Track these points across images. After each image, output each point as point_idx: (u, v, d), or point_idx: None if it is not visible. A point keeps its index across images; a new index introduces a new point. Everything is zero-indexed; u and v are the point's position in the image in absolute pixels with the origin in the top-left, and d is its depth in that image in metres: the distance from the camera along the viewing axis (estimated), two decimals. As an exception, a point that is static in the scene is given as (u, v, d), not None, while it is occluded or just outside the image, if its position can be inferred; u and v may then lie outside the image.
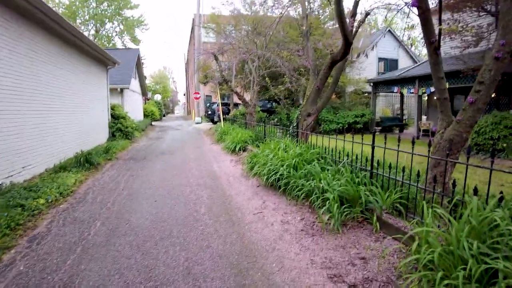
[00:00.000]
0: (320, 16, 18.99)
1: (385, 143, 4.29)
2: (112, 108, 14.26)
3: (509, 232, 2.47)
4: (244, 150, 10.20)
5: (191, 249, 3.67)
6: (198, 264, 3.31)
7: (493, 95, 12.94)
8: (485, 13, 10.96)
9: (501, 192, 3.01)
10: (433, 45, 4.12)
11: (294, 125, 8.16)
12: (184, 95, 59.45)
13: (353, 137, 5.22)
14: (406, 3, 4.83)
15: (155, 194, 5.92)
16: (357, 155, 5.07)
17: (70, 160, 8.22)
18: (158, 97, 46.91)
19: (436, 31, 4.15)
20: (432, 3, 12.31)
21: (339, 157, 5.53)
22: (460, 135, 4.06)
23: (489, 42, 10.87)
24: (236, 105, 23.39)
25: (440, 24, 4.14)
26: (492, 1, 10.58)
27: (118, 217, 4.72)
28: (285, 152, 6.53)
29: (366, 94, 21.57)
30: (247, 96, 16.12)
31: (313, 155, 5.97)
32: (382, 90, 18.26)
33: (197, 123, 26.32)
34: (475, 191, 3.06)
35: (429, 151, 3.80)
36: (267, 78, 15.84)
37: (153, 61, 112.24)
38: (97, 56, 11.75)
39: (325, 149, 6.14)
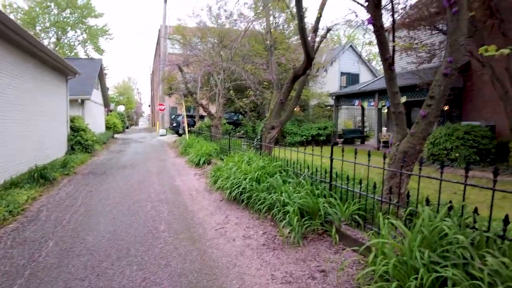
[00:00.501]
0: (285, 31, 19.43)
1: (342, 155, 4.39)
2: (72, 120, 13.66)
3: (457, 241, 2.59)
4: (208, 163, 10.09)
5: (149, 268, 3.52)
6: (156, 284, 3.17)
7: (446, 108, 13.78)
8: (437, 31, 11.69)
9: (450, 202, 3.16)
10: (387, 61, 4.31)
11: (258, 137, 8.19)
12: (149, 106, 58.33)
13: (312, 150, 5.31)
14: (363, 21, 5.04)
15: (114, 211, 5.67)
16: (316, 168, 5.16)
17: (23, 175, 7.71)
18: (121, 108, 45.69)
19: (391, 49, 4.37)
20: (390, 22, 13.02)
21: (301, 170, 5.60)
22: (414, 147, 4.24)
23: (440, 58, 11.60)
24: (202, 117, 23.23)
25: (393, 41, 4.35)
26: (444, 21, 11.31)
27: (73, 236, 4.46)
28: (249, 165, 6.53)
29: (329, 107, 22.20)
30: (213, 109, 16.07)
31: (276, 168, 6.01)
32: (344, 103, 18.91)
33: (162, 135, 25.81)
34: (427, 201, 3.20)
35: (384, 163, 3.93)
36: (231, 91, 15.90)
37: (117, 72, 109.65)
38: (56, 65, 11.23)
39: (287, 162, 6.20)
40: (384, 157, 3.94)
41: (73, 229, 4.76)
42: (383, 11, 4.94)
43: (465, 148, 10.00)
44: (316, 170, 5.15)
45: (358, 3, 4.57)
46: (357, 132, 20.58)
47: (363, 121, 20.74)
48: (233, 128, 19.95)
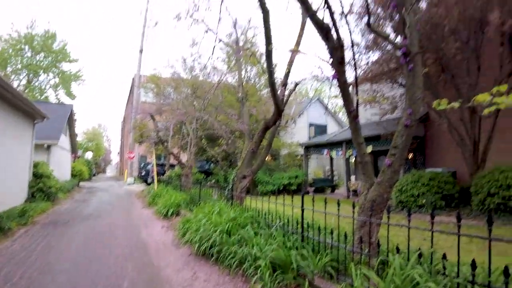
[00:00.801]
0: (256, 84, 20.22)
1: (313, 205, 4.39)
2: (36, 165, 12.98)
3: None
4: (177, 215, 9.76)
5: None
6: None
7: (410, 156, 14.41)
8: (398, 85, 12.58)
9: (419, 249, 3.18)
10: (352, 113, 4.52)
11: (229, 187, 8.10)
12: (118, 154, 57.02)
13: (284, 199, 5.29)
14: (327, 77, 5.34)
15: (73, 266, 5.24)
16: (288, 218, 5.10)
17: (-29, 226, 7.10)
18: (89, 155, 44.31)
19: (355, 102, 4.61)
20: (353, 76, 13.93)
21: (272, 220, 5.52)
22: (381, 196, 4.32)
23: (401, 110, 12.36)
24: (172, 166, 22.87)
25: (357, 95, 4.61)
26: (403, 75, 12.22)
27: (22, 298, 4.04)
28: (219, 216, 6.36)
29: (299, 156, 22.64)
30: (184, 157, 15.92)
31: (247, 219, 5.88)
32: (313, 153, 19.37)
33: (129, 184, 25.02)
34: (397, 249, 3.20)
35: (353, 212, 3.96)
36: (203, 140, 15.96)
37: (88, 117, 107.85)
38: (23, 108, 10.87)
39: (259, 212, 6.11)
40: (353, 206, 3.97)
41: (25, 287, 4.33)
42: (347, 67, 5.30)
43: (431, 194, 10.34)
44: (288, 221, 5.09)
45: (323, 60, 4.87)
46: (327, 181, 20.89)
47: (332, 170, 21.18)
48: (205, 177, 19.72)
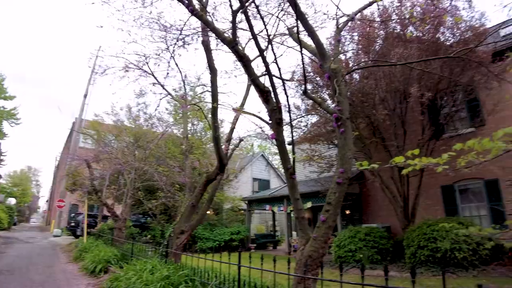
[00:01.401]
0: (202, 137, 20.34)
1: (250, 262, 4.34)
2: None
3: None
4: (106, 272, 8.94)
5: None
6: None
7: (348, 212, 15.04)
8: (334, 145, 13.47)
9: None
10: (289, 171, 4.73)
11: (165, 243, 7.72)
12: (47, 201, 51.91)
13: (220, 257, 5.15)
14: (267, 136, 5.62)
15: None
16: (224, 276, 4.96)
17: None
18: (11, 201, 39.78)
19: (292, 160, 4.86)
20: (295, 136, 14.71)
21: (208, 279, 5.30)
22: (317, 251, 4.42)
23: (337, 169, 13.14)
24: (105, 217, 21.26)
25: (293, 154, 4.88)
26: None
27: None
28: (152, 274, 5.96)
29: (242, 211, 22.45)
30: (119, 209, 14.98)
31: (182, 277, 5.58)
32: (256, 208, 19.36)
33: (56, 236, 22.67)
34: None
35: (288, 268, 3.98)
36: (140, 192, 15.21)
37: (17, 159, 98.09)
38: None
39: (195, 270, 5.84)
40: (288, 262, 3.99)
41: None
42: (288, 127, 5.63)
43: (367, 249, 10.73)
44: (224, 279, 4.93)
45: (263, 120, 5.17)
46: (270, 237, 20.76)
47: (274, 225, 21.20)
48: (140, 231, 18.52)
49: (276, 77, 5.46)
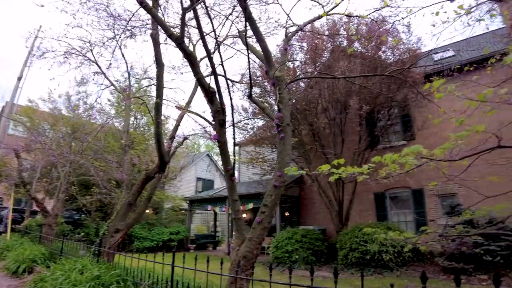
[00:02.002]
0: (146, 132, 19.66)
1: (183, 262, 4.31)
2: None
3: None
4: (30, 272, 8.28)
5: None
6: None
7: (287, 214, 15.50)
8: (277, 149, 13.85)
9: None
10: (229, 172, 4.80)
11: (98, 241, 7.36)
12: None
13: (154, 257, 5.04)
14: (210, 136, 5.64)
15: None
16: (158, 276, 4.87)
17: None
18: None
19: (232, 162, 4.93)
20: (242, 137, 14.86)
21: (141, 279, 5.17)
22: (252, 252, 4.53)
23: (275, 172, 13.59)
24: (34, 212, 19.63)
25: (234, 156, 4.95)
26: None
27: None
28: (81, 274, 5.66)
29: (183, 210, 22.06)
30: (51, 204, 13.94)
31: (113, 277, 5.37)
32: (198, 208, 19.14)
33: (-28, 234, 20.40)
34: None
35: (221, 268, 4.03)
36: (74, 187, 14.29)
37: None
38: None
39: (128, 270, 5.66)
40: (221, 263, 4.02)
41: None
42: (235, 129, 5.70)
43: (304, 250, 11.16)
44: (158, 279, 4.84)
45: (207, 121, 5.18)
46: (210, 237, 20.62)
47: (215, 226, 21.13)
48: (72, 229, 17.38)
49: (222, 76, 5.49)
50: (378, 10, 6.42)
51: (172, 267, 4.47)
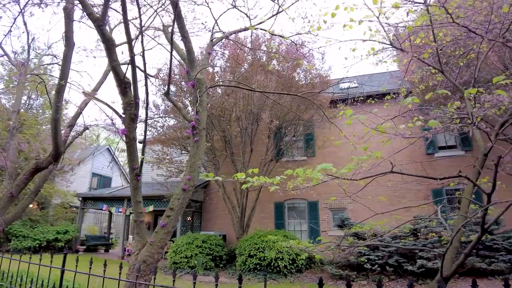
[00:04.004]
0: (39, 116, 17.49)
1: (76, 266, 3.90)
2: None
3: None
4: None
5: None
6: None
7: (189, 219, 15.26)
8: (186, 151, 13.63)
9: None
10: (135, 171, 4.55)
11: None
12: None
13: (40, 259, 4.45)
14: (116, 130, 5.28)
15: None
16: (43, 281, 4.31)
17: None
18: None
19: (140, 161, 4.69)
20: (149, 135, 14.20)
21: (21, 285, 4.50)
22: (152, 256, 4.35)
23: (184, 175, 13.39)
24: None
25: (143, 155, 4.72)
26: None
27: None
28: None
29: (74, 208, 20.01)
30: None
31: (-20, 281, 4.58)
32: (92, 207, 17.51)
33: None
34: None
35: (120, 273, 3.77)
36: None
37: None
38: None
39: (3, 274, 4.87)
40: (120, 267, 3.79)
41: None
42: (143, 124, 5.41)
43: (203, 255, 11.08)
44: (42, 285, 4.27)
45: (116, 113, 4.84)
46: (102, 239, 19.03)
47: (109, 227, 19.63)
48: None
49: (140, 69, 5.23)
50: (299, 34, 6.94)
51: (61, 271, 3.98)
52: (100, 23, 3.91)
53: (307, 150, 13.89)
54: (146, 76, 4.17)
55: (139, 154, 4.67)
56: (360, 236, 9.72)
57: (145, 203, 13.36)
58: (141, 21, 4.14)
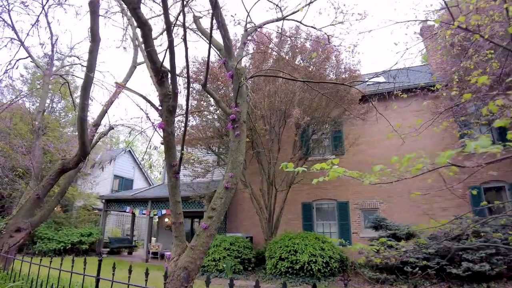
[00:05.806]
0: (62, 119, 17.54)
1: (113, 274, 3.43)
2: None
3: None
4: None
5: None
6: None
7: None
8: (211, 152, 13.28)
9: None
10: (173, 168, 4.13)
11: (-10, 243, 5.98)
12: None
13: (72, 267, 4.01)
14: (153, 124, 4.90)
15: None
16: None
17: None
18: None
19: (179, 157, 4.28)
20: (185, 130, 13.93)
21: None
22: (194, 262, 3.92)
23: (213, 175, 13.04)
24: None
25: (182, 150, 4.32)
26: (216, 143, 13.03)
27: None
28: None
29: (97, 210, 19.97)
30: None
31: (10, 290, 4.25)
32: (115, 209, 17.39)
33: None
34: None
35: (146, 280, 3.36)
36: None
37: None
38: None
39: (32, 281, 4.52)
40: (146, 274, 3.24)
41: None
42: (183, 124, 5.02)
43: (231, 258, 10.62)
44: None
45: (152, 105, 4.46)
46: (125, 241, 18.88)
47: (132, 229, 19.49)
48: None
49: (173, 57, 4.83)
50: (333, 25, 6.52)
51: (96, 280, 3.54)
52: (135, 5, 3.53)
53: (337, 148, 13.30)
54: (188, 62, 3.74)
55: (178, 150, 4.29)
56: (399, 237, 9.10)
57: (168, 204, 13.09)
58: (183, 7, 3.74)
